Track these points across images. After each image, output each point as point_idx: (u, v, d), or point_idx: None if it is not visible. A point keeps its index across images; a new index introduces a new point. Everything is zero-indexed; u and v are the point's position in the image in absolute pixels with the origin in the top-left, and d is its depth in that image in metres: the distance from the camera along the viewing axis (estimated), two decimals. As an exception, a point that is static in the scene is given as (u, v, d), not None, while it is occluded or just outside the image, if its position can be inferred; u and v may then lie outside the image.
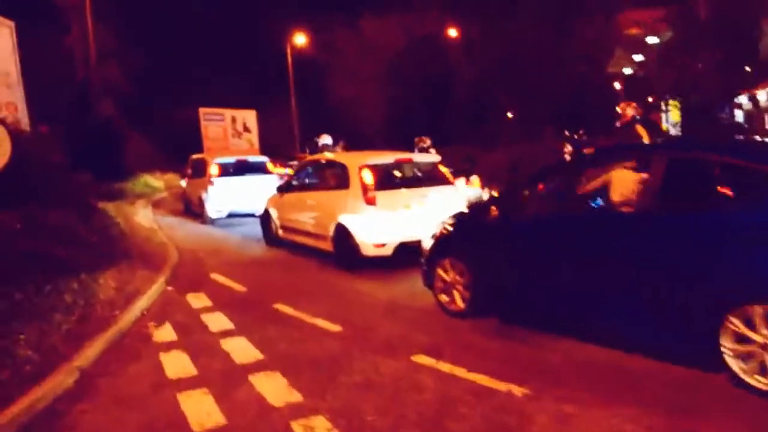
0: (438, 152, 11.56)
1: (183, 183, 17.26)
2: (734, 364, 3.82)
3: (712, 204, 4.44)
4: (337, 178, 8.65)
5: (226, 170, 13.92)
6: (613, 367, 4.44)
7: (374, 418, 3.79)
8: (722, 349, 3.83)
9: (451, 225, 6.06)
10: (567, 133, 9.07)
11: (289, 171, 15.37)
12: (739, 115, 18.14)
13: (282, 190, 10.23)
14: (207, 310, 6.61)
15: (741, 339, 3.78)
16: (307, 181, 10.06)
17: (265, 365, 4.82)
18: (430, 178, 8.62)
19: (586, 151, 9.11)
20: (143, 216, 15.30)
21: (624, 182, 4.68)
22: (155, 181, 24.73)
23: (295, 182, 10.12)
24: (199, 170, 14.73)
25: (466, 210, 6.80)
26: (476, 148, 15.81)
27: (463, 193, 9.12)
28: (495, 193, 10.06)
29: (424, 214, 7.92)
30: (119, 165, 21.82)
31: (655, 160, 4.34)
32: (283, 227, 10.10)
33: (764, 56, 13.20)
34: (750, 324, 3.73)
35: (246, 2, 34.25)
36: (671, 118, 21.36)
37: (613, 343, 4.64)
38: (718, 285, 3.84)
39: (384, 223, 7.85)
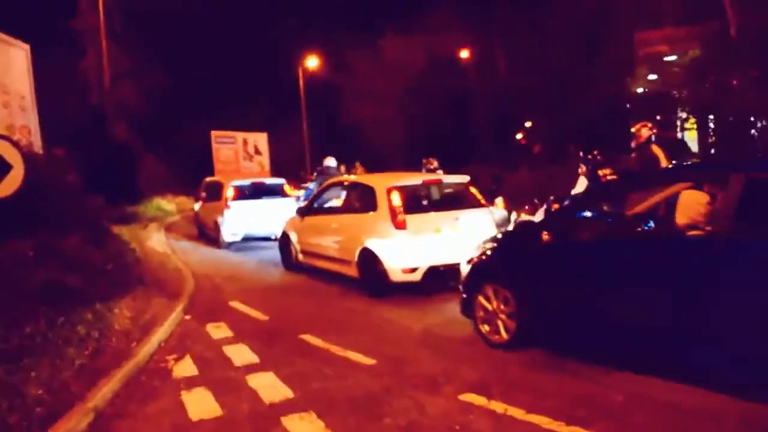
0: (456, 173, 11.15)
1: (196, 206, 16.91)
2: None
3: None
4: (362, 200, 8.26)
5: (242, 193, 13.58)
6: (686, 406, 3.98)
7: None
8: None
9: (491, 250, 5.64)
10: (582, 153, 8.71)
11: (300, 193, 15.02)
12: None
13: (302, 212, 9.86)
14: (229, 341, 6.20)
15: None
16: (329, 203, 9.69)
17: (297, 405, 4.39)
18: (460, 199, 8.22)
19: (601, 172, 8.74)
20: (156, 240, 14.96)
21: (692, 204, 4.25)
22: (167, 204, 24.48)
23: (316, 205, 9.74)
24: (214, 193, 14.39)
25: (502, 234, 6.37)
26: (498, 169, 15.45)
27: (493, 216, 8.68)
28: (526, 216, 9.65)
29: (456, 238, 7.52)
30: (133, 188, 21.62)
31: (731, 180, 3.92)
32: (304, 251, 9.70)
33: None
34: None
35: (263, 23, 34.31)
36: (687, 136, 21.01)
37: (678, 378, 4.19)
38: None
39: (414, 248, 7.44)
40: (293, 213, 10.34)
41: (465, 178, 8.43)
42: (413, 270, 7.46)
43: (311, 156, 28.38)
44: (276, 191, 14.18)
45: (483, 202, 8.28)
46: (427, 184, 8.27)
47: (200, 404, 4.54)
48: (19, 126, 9.59)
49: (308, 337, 6.14)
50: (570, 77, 24.39)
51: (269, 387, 4.80)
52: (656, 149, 7.88)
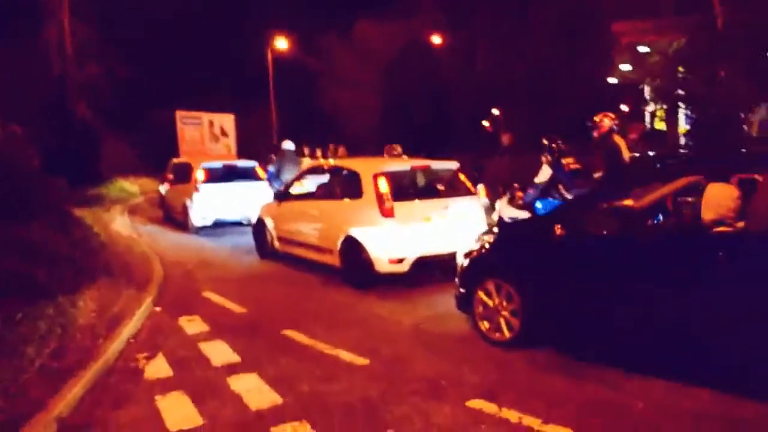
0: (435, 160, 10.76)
1: (162, 189, 16.14)
2: None
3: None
4: (346, 186, 7.81)
5: (213, 176, 12.94)
6: (714, 413, 3.70)
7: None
8: None
9: (492, 243, 5.28)
10: (545, 141, 8.48)
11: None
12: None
13: (279, 197, 9.35)
14: (205, 337, 5.72)
15: None
16: (309, 188, 9.20)
17: (287, 413, 3.97)
18: (449, 187, 7.84)
19: (564, 161, 8.59)
20: (121, 224, 14.22)
21: (721, 199, 3.95)
22: (130, 185, 23.56)
23: (294, 190, 9.24)
24: (183, 175, 13.71)
25: (502, 226, 6.02)
26: (475, 157, 15.11)
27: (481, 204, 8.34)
28: (513, 207, 9.31)
29: (446, 227, 7.16)
30: (95, 169, 20.66)
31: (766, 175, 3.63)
32: (281, 239, 9.20)
33: None
34: None
35: (233, 6, 33.25)
36: (656, 126, 21.14)
37: (701, 382, 3.92)
38: None
39: (402, 237, 7.04)
40: (266, 197, 9.79)
41: (455, 165, 8.06)
42: (401, 260, 7.06)
43: (278, 139, 27.69)
44: (248, 174, 13.58)
45: (473, 190, 7.93)
46: (415, 170, 7.86)
47: (178, 411, 4.08)
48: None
49: (291, 333, 5.71)
50: (550, 66, 24.22)
51: (254, 391, 4.37)
52: (618, 139, 7.79)
